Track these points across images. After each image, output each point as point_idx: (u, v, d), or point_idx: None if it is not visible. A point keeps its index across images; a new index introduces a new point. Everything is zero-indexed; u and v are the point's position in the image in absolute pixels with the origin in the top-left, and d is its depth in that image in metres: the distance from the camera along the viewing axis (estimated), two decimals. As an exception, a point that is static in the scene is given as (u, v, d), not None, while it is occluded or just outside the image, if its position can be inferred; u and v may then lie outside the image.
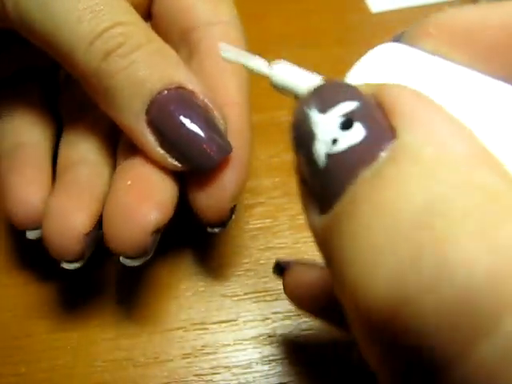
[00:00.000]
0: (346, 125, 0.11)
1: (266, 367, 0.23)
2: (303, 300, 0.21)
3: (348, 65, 0.33)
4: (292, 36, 0.33)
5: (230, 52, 0.16)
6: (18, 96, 0.25)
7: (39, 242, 0.25)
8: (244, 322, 0.24)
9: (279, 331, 0.23)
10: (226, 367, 0.23)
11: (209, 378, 0.22)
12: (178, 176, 0.21)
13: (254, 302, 0.24)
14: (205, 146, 0.20)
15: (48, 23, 0.19)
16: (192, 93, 0.20)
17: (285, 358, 0.23)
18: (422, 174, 0.09)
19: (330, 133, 0.11)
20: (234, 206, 0.22)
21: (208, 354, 0.23)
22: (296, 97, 0.16)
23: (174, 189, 0.21)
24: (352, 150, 0.11)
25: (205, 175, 0.21)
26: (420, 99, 0.11)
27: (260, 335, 0.23)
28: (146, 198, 0.20)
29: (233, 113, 0.21)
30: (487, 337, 0.08)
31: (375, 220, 0.09)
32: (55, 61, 0.21)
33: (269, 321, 0.24)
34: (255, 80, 0.26)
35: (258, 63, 0.16)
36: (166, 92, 0.20)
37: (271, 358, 0.23)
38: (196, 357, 0.23)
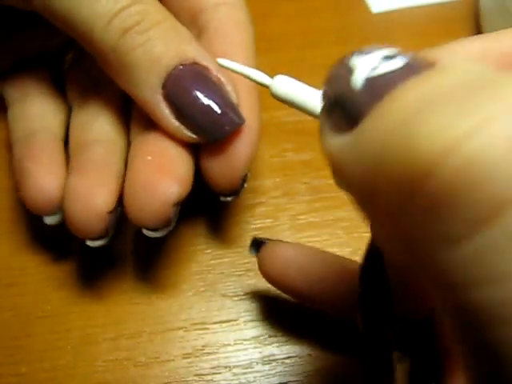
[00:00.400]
0: (388, 58, 0.12)
1: (266, 367, 0.23)
2: (277, 277, 0.21)
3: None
4: (292, 36, 0.33)
5: (229, 64, 0.18)
6: (30, 81, 0.26)
7: (38, 242, 0.25)
8: (244, 321, 0.24)
9: (279, 331, 0.23)
10: (226, 367, 0.23)
11: (209, 377, 0.22)
12: (193, 149, 0.22)
13: (255, 302, 0.24)
14: (219, 117, 0.20)
15: (68, 2, 0.20)
16: (206, 68, 0.21)
17: (285, 358, 0.23)
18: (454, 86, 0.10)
19: (372, 63, 0.12)
20: (246, 174, 0.22)
21: (209, 353, 0.23)
22: (296, 107, 0.17)
23: (191, 162, 0.22)
24: (391, 73, 0.12)
25: (218, 145, 0.22)
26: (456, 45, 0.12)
27: (261, 335, 0.23)
28: (166, 173, 0.20)
29: (242, 88, 0.22)
30: None
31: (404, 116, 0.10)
32: (65, 43, 0.21)
33: (269, 321, 0.24)
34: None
35: (259, 75, 0.17)
36: (181, 67, 0.20)
37: (272, 357, 0.23)
38: (197, 357, 0.23)
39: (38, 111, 0.25)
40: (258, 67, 0.26)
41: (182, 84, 0.20)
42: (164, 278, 0.25)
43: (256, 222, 0.26)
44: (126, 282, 0.25)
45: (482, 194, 0.08)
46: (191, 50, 0.21)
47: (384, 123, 0.10)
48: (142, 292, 0.24)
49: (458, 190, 0.09)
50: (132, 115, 0.24)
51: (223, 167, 0.22)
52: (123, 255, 0.22)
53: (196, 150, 0.22)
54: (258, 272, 0.22)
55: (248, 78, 0.19)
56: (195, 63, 0.21)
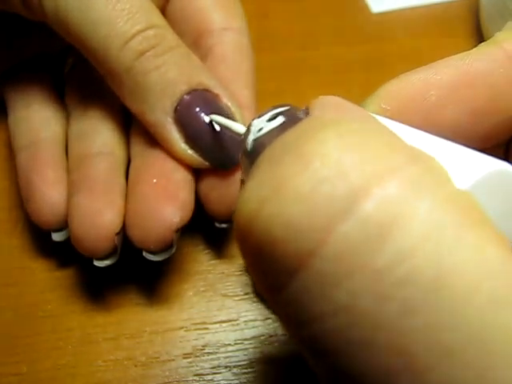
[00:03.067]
0: (272, 118, 0.14)
1: (266, 367, 0.23)
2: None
3: (348, 65, 0.33)
4: (292, 36, 0.33)
5: (217, 119, 0.20)
6: (31, 85, 0.26)
7: (39, 242, 0.25)
8: (245, 321, 0.24)
9: (280, 331, 0.23)
10: (226, 367, 0.23)
11: (210, 377, 0.22)
12: (194, 172, 0.22)
13: (255, 302, 0.24)
14: (227, 145, 0.21)
15: (85, 20, 0.20)
16: (217, 96, 0.21)
17: (285, 358, 0.23)
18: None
19: (259, 125, 0.14)
20: None
21: (209, 353, 0.23)
22: None
23: (193, 185, 0.22)
24: (271, 132, 0.14)
25: (218, 172, 0.22)
26: (332, 98, 0.13)
27: (261, 335, 0.23)
28: (171, 198, 0.21)
29: (246, 116, 0.22)
30: (344, 219, 0.09)
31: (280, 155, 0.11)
32: (67, 45, 0.22)
33: (270, 321, 0.24)
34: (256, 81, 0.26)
35: (238, 127, 0.19)
36: (193, 93, 0.21)
37: (272, 357, 0.23)
38: (197, 356, 0.23)
39: (40, 117, 0.25)
40: (258, 67, 0.26)
41: (193, 109, 0.21)
42: (164, 278, 0.25)
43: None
44: (127, 282, 0.25)
45: (285, 251, 0.10)
46: (203, 77, 0.21)
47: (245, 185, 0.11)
48: (143, 292, 0.24)
49: (266, 249, 0.10)
50: (132, 128, 0.24)
51: (221, 194, 0.22)
52: (123, 255, 0.22)
53: (197, 173, 0.23)
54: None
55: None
56: (206, 90, 0.21)
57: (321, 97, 0.13)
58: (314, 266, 0.09)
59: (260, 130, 0.14)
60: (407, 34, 0.33)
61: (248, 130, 0.15)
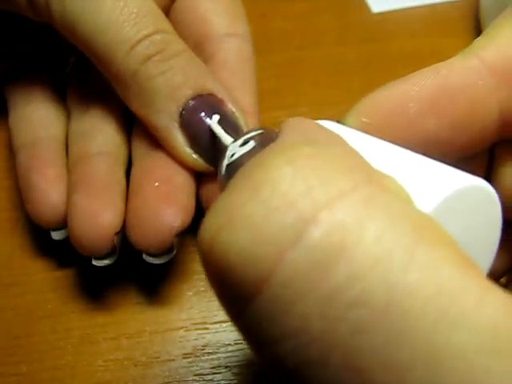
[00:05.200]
0: (244, 143, 0.14)
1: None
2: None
3: (348, 65, 0.33)
4: (292, 36, 0.33)
5: (214, 127, 0.20)
6: (33, 84, 0.26)
7: (39, 242, 0.25)
8: (245, 321, 0.24)
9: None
10: (226, 367, 0.23)
11: (210, 377, 0.22)
12: (196, 176, 0.22)
13: (255, 302, 0.24)
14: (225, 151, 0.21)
15: (92, 23, 0.21)
16: (221, 101, 0.22)
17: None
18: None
19: (233, 150, 0.15)
20: None
21: (209, 353, 0.23)
22: None
23: (195, 189, 0.22)
24: (242, 157, 0.14)
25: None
26: (301, 120, 0.13)
27: (261, 335, 0.23)
28: (172, 202, 0.21)
29: (249, 122, 0.23)
30: (293, 247, 0.10)
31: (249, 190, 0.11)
32: (70, 44, 0.22)
33: (269, 320, 0.24)
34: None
35: (227, 139, 0.19)
36: (198, 98, 0.21)
37: (272, 357, 0.23)
38: (197, 356, 0.23)
39: (41, 116, 0.25)
40: (257, 67, 0.26)
41: (198, 114, 0.21)
42: (164, 278, 0.25)
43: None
44: (127, 281, 0.25)
45: (241, 278, 0.10)
46: (208, 83, 0.22)
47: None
48: (143, 292, 0.24)
49: (224, 275, 0.10)
50: (134, 130, 0.24)
51: None
52: (124, 255, 0.22)
53: (198, 178, 0.23)
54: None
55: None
56: (212, 95, 0.21)
57: (290, 119, 0.13)
58: (268, 292, 0.10)
59: (233, 155, 0.15)
60: (407, 34, 0.33)
61: (223, 155, 0.15)
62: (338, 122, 0.16)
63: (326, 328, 0.09)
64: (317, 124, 0.13)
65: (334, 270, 0.09)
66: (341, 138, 0.12)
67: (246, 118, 0.22)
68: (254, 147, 0.14)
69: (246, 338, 0.11)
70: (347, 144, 0.12)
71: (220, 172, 0.15)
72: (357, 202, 0.10)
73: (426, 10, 0.35)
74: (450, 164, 0.13)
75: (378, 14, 0.34)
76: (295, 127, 0.13)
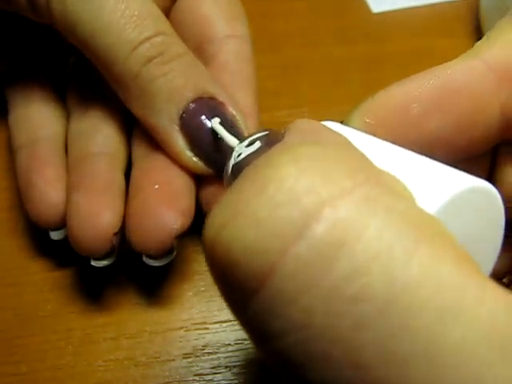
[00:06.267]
0: (250, 144, 0.15)
1: (266, 367, 0.23)
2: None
3: (348, 65, 0.33)
4: (292, 36, 0.33)
5: (215, 127, 0.21)
6: (33, 83, 0.26)
7: (39, 242, 0.25)
8: (245, 321, 0.24)
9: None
10: (226, 367, 0.23)
11: (210, 377, 0.22)
12: (195, 179, 0.22)
13: (255, 302, 0.24)
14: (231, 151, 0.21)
15: (93, 25, 0.20)
16: (222, 104, 0.22)
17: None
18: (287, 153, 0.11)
19: (239, 151, 0.15)
20: None
21: (209, 353, 0.23)
22: None
23: (194, 191, 0.22)
24: (248, 157, 0.14)
25: (221, 179, 0.22)
26: (307, 122, 0.13)
27: (261, 335, 0.23)
28: (172, 205, 0.21)
29: (249, 124, 0.23)
30: (297, 242, 0.10)
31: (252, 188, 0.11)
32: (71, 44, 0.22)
33: (269, 320, 0.24)
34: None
35: (231, 140, 0.19)
36: (199, 100, 0.21)
37: (272, 357, 0.23)
38: (197, 356, 0.23)
39: (40, 116, 0.25)
40: (257, 67, 0.26)
41: (198, 117, 0.21)
42: (164, 278, 0.25)
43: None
44: (127, 282, 0.25)
45: (244, 273, 0.10)
46: (209, 85, 0.22)
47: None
48: (143, 292, 0.24)
49: (227, 271, 0.11)
50: (134, 132, 0.24)
51: None
52: (123, 255, 0.22)
53: (198, 180, 0.23)
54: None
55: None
56: (212, 98, 0.21)
57: (296, 120, 0.13)
58: (271, 286, 0.10)
59: (239, 155, 0.15)
60: (407, 33, 0.33)
61: (230, 156, 0.15)
62: (342, 122, 0.16)
63: (329, 322, 0.09)
64: (322, 125, 0.14)
65: (336, 265, 0.10)
66: (345, 139, 0.13)
67: (246, 121, 0.22)
68: (260, 147, 0.14)
69: (250, 334, 0.11)
70: (351, 144, 0.12)
71: (226, 172, 0.15)
72: (359, 199, 0.10)
73: (426, 10, 0.35)
74: (452, 165, 0.13)
75: (378, 13, 0.34)
76: (301, 128, 0.13)
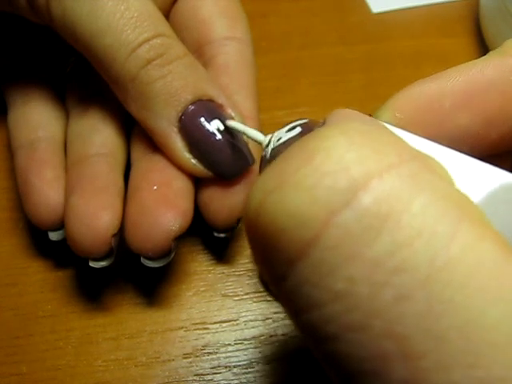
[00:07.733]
0: (290, 129, 0.15)
1: (267, 367, 0.23)
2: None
3: (348, 65, 0.33)
4: (292, 36, 0.33)
5: (235, 124, 0.21)
6: (32, 85, 0.25)
7: (39, 242, 0.25)
8: (245, 321, 0.24)
9: (280, 331, 0.23)
10: (226, 367, 0.23)
11: (210, 377, 0.22)
12: (194, 180, 0.22)
13: (255, 302, 0.24)
14: (231, 155, 0.21)
15: (93, 26, 0.20)
16: (221, 106, 0.22)
17: (285, 358, 0.23)
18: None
19: (278, 136, 0.15)
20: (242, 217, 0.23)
21: (209, 353, 0.23)
22: None
23: (193, 193, 0.22)
24: (288, 141, 0.14)
25: (220, 182, 0.22)
26: (347, 110, 0.13)
27: (261, 335, 0.23)
28: (171, 206, 0.21)
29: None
30: (343, 211, 0.10)
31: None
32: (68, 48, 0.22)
33: (270, 321, 0.24)
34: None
35: (255, 134, 0.19)
36: (198, 103, 0.21)
37: (272, 357, 0.23)
38: (197, 356, 0.23)
39: (39, 116, 0.24)
40: (258, 67, 0.26)
41: (197, 119, 0.21)
42: (164, 278, 0.25)
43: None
44: (127, 282, 0.25)
45: (287, 240, 0.10)
46: (208, 88, 0.22)
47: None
48: (143, 292, 0.24)
49: (270, 239, 0.11)
50: (133, 133, 0.24)
51: (222, 205, 0.22)
52: (123, 255, 0.22)
53: (197, 182, 0.23)
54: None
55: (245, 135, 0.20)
56: (211, 100, 0.21)
57: (337, 109, 0.14)
58: (314, 255, 0.10)
59: (279, 139, 0.15)
60: (407, 34, 0.33)
61: (269, 141, 0.15)
62: (371, 116, 0.16)
63: (371, 292, 0.10)
64: (363, 114, 0.14)
65: (380, 236, 0.10)
66: (385, 126, 0.13)
67: (246, 123, 0.22)
68: (301, 131, 0.14)
69: (287, 305, 0.11)
70: (391, 129, 0.13)
71: (265, 156, 0.15)
72: (406, 175, 0.10)
73: (426, 10, 0.35)
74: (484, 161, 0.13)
75: (378, 13, 0.34)
76: (342, 114, 0.13)
